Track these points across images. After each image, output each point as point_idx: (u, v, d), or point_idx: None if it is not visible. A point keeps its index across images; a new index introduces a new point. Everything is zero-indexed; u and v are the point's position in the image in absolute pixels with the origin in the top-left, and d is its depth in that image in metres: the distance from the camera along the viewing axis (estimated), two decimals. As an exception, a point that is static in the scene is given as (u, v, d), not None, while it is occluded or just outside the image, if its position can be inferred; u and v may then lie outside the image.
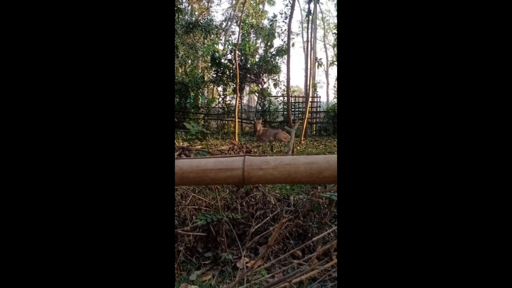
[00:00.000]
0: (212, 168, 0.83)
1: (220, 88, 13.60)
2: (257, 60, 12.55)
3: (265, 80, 13.03)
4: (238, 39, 9.95)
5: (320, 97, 14.25)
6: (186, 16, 13.77)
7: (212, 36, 13.66)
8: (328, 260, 1.28)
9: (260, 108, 13.08)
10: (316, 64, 12.28)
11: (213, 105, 13.82)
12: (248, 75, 12.46)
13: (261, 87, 12.91)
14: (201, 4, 17.60)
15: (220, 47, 14.30)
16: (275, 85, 13.43)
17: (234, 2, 17.96)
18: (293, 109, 12.54)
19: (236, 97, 9.26)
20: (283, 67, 12.68)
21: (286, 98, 11.06)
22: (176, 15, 10.00)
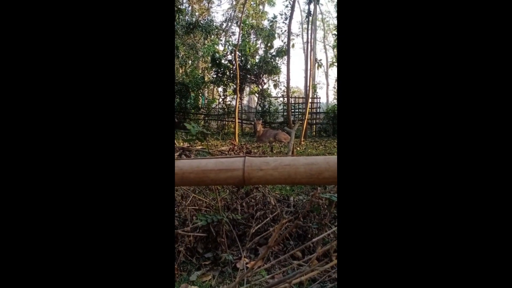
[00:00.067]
0: (212, 168, 0.83)
1: (220, 89, 13.61)
2: (257, 61, 12.56)
3: (265, 81, 13.04)
4: (238, 39, 9.96)
5: (320, 98, 14.26)
6: (187, 17, 13.78)
7: (213, 36, 13.67)
8: (328, 261, 1.28)
9: (260, 108, 13.09)
10: (316, 65, 12.29)
11: (213, 105, 13.82)
12: (248, 76, 12.47)
13: (261, 88, 12.91)
14: (201, 4, 17.62)
15: (221, 47, 14.30)
16: (275, 86, 13.43)
17: (234, 3, 17.97)
18: (293, 110, 12.54)
19: (236, 97, 9.27)
20: (283, 68, 12.69)
21: (286, 99, 11.07)
22: (177, 15, 10.01)
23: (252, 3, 15.57)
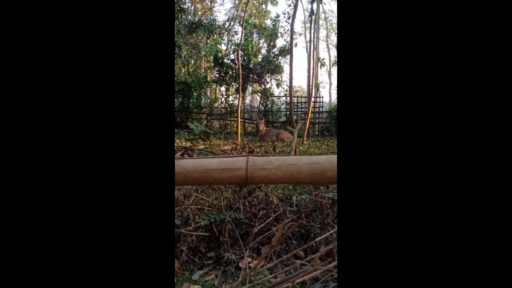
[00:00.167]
0: (215, 168, 0.83)
1: (222, 88, 13.61)
2: (259, 60, 12.55)
3: (268, 80, 13.03)
4: (241, 39, 9.94)
5: (322, 97, 14.26)
6: (189, 16, 13.79)
7: (215, 36, 13.66)
8: (330, 261, 1.28)
9: (262, 108, 13.08)
10: (319, 64, 12.26)
11: (216, 105, 13.83)
12: (251, 75, 12.46)
13: (263, 87, 12.90)
14: (204, 4, 17.62)
15: (223, 47, 14.32)
16: (278, 85, 13.42)
17: (237, 2, 17.97)
18: (295, 109, 12.52)
19: (239, 97, 9.27)
20: (286, 67, 12.72)
21: (288, 98, 11.05)
22: (179, 15, 10.00)
23: (254, 2, 15.57)
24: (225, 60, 12.45)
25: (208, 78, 13.48)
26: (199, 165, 0.84)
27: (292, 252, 1.67)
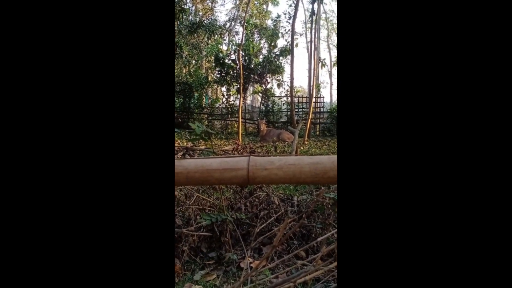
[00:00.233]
0: (217, 168, 0.83)
1: (223, 88, 13.62)
2: (260, 60, 12.55)
3: (269, 80, 13.02)
4: (242, 39, 9.96)
5: (323, 97, 14.26)
6: (190, 17, 13.80)
7: (216, 36, 13.67)
8: (332, 261, 1.28)
9: (263, 108, 13.07)
10: (320, 64, 12.25)
11: (217, 105, 13.83)
12: (252, 76, 12.46)
13: (264, 87, 12.90)
14: (205, 4, 17.64)
15: (224, 47, 14.31)
16: (279, 85, 13.41)
17: (238, 3, 17.98)
18: (296, 110, 12.52)
19: (240, 97, 9.28)
20: (287, 68, 12.71)
21: (289, 98, 11.05)
22: (180, 15, 10.00)
23: (255, 2, 15.57)
24: (226, 61, 12.45)
25: (209, 79, 13.48)
26: (201, 165, 0.84)
27: (294, 252, 1.67)
